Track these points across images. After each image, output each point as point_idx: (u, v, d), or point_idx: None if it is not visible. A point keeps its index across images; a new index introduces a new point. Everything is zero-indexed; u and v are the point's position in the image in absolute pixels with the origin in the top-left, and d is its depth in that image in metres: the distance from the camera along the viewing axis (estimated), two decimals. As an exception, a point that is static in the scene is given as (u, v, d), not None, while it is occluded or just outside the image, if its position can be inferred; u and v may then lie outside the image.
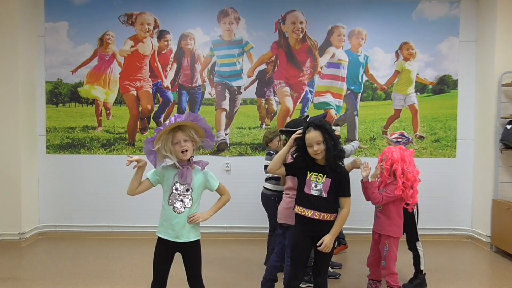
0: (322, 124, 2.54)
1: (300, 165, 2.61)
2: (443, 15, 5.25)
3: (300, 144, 2.60)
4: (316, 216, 2.53)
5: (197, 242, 2.49)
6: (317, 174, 2.56)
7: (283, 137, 3.75)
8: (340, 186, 2.56)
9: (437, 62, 5.29)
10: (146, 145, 2.41)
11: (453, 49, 5.27)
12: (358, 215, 4.75)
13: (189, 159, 2.45)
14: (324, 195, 2.53)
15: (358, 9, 5.24)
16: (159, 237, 2.47)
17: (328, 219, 2.54)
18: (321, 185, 2.54)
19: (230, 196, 2.59)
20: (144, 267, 4.06)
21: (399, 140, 3.65)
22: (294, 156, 2.66)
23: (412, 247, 3.58)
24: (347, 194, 2.58)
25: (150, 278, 3.69)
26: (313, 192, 2.55)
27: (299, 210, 2.59)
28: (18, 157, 4.79)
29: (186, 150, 2.39)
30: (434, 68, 5.30)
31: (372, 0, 5.23)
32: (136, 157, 2.42)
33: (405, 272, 3.73)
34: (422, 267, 3.55)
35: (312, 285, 3.48)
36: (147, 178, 2.48)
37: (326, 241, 2.50)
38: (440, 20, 5.25)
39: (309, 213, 2.54)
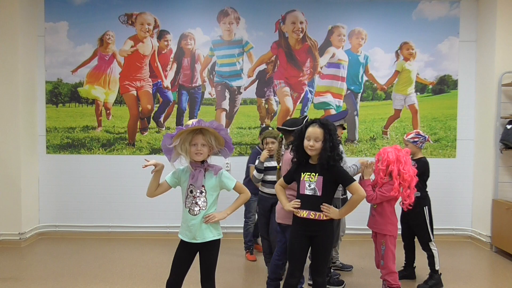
0: (327, 124, 2.55)
1: (296, 158, 2.65)
2: (443, 15, 5.25)
3: (299, 133, 2.61)
4: (312, 215, 2.54)
5: (215, 242, 2.49)
6: (309, 173, 2.57)
7: (279, 135, 3.75)
8: (338, 181, 2.59)
9: (437, 62, 5.30)
10: (165, 139, 2.41)
11: (453, 49, 5.27)
12: (362, 215, 4.77)
13: (203, 162, 2.47)
14: (318, 193, 2.54)
15: (358, 9, 5.25)
16: (181, 239, 2.51)
17: (324, 218, 2.54)
18: (314, 183, 2.55)
19: (249, 194, 2.58)
20: (144, 267, 4.06)
21: (416, 139, 3.59)
22: (293, 160, 2.70)
23: (426, 247, 3.58)
24: (350, 181, 2.54)
25: (149, 278, 3.73)
26: (307, 192, 2.56)
27: (296, 211, 2.60)
28: (18, 157, 4.79)
29: (201, 154, 2.41)
30: (434, 68, 5.30)
31: (372, 0, 5.23)
32: (153, 161, 2.42)
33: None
34: (437, 267, 3.54)
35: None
36: (166, 181, 2.51)
37: (333, 214, 2.54)
38: (440, 20, 5.26)
39: (304, 213, 2.56)
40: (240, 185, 2.54)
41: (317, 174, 2.55)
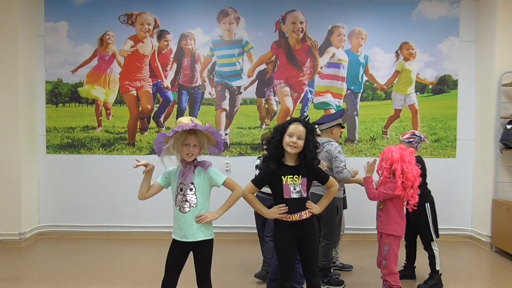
0: (309, 124, 2.54)
1: (274, 169, 2.49)
2: (443, 15, 5.25)
3: (281, 129, 2.51)
4: (304, 215, 2.51)
5: (207, 242, 2.48)
6: (292, 176, 2.49)
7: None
8: (319, 179, 2.61)
9: (437, 62, 5.29)
10: (158, 137, 2.42)
11: (453, 49, 5.27)
12: (362, 215, 4.77)
13: (193, 160, 2.47)
14: (305, 194, 2.52)
15: (358, 9, 5.24)
16: (173, 239, 2.51)
17: (309, 215, 2.55)
18: (299, 186, 2.50)
19: (241, 190, 2.52)
20: (144, 267, 4.06)
21: (411, 140, 3.58)
22: (262, 166, 2.58)
23: (427, 247, 3.57)
24: (327, 178, 2.62)
25: (149, 278, 3.73)
26: (294, 195, 2.49)
27: (285, 217, 2.50)
28: (18, 157, 4.79)
29: (192, 155, 2.42)
30: (434, 68, 5.30)
31: (372, 0, 5.23)
32: (143, 161, 2.43)
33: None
34: (437, 268, 3.53)
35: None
36: (157, 182, 2.52)
37: (316, 210, 2.55)
38: (440, 20, 5.26)
39: (295, 217, 2.49)
40: (230, 182, 2.50)
41: (300, 176, 2.50)
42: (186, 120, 2.42)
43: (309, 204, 2.55)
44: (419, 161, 3.56)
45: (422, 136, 3.63)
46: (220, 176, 2.48)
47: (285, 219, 2.51)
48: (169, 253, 2.51)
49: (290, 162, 2.52)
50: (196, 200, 2.44)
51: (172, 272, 2.49)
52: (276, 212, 2.50)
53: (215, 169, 2.51)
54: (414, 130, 3.66)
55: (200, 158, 2.54)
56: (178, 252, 2.49)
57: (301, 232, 2.53)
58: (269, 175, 2.53)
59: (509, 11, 4.80)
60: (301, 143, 2.45)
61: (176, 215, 2.47)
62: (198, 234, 2.43)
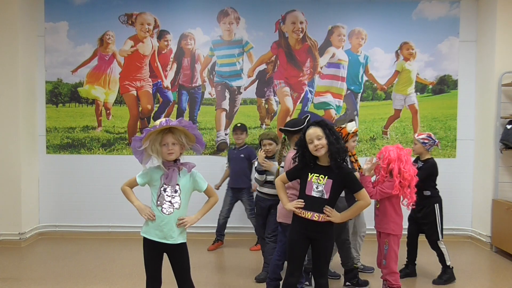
0: (321, 121, 2.58)
1: (300, 165, 2.61)
2: (443, 15, 5.25)
3: (300, 142, 2.59)
4: (316, 217, 2.51)
5: (184, 245, 2.50)
6: (318, 175, 2.54)
7: (277, 136, 3.78)
8: (347, 185, 2.58)
9: (437, 62, 5.29)
10: (133, 142, 2.40)
11: (453, 49, 5.27)
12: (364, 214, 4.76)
13: (175, 161, 2.44)
14: (326, 196, 2.52)
15: (358, 9, 5.24)
16: (144, 238, 2.51)
17: (324, 219, 2.53)
18: (323, 186, 2.52)
19: (218, 197, 2.60)
20: (144, 267, 4.05)
21: (426, 141, 3.66)
22: (295, 159, 2.65)
23: (434, 246, 3.67)
24: (358, 188, 2.56)
25: (150, 278, 3.72)
26: (314, 194, 2.53)
27: (299, 212, 2.56)
28: (18, 157, 4.79)
29: (173, 153, 2.39)
30: (434, 68, 5.30)
31: (372, 0, 5.23)
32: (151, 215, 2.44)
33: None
34: (448, 263, 3.66)
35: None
36: (136, 179, 2.49)
37: (334, 218, 2.53)
38: (440, 20, 5.26)
39: (308, 214, 2.52)
40: (210, 188, 2.57)
41: (326, 176, 2.52)
42: (159, 121, 2.40)
43: (328, 209, 2.52)
44: (432, 163, 3.66)
45: (437, 141, 3.71)
46: (204, 181, 2.53)
47: (299, 214, 2.56)
48: (146, 255, 2.52)
49: (321, 162, 2.58)
50: (180, 202, 2.43)
51: (155, 272, 2.50)
52: (294, 205, 2.58)
53: (199, 173, 2.53)
54: (431, 133, 3.74)
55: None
56: (156, 252, 2.50)
57: (314, 234, 2.56)
58: (298, 171, 2.64)
59: (509, 11, 4.80)
60: (323, 141, 2.50)
61: (156, 216, 2.44)
62: (178, 237, 2.44)
